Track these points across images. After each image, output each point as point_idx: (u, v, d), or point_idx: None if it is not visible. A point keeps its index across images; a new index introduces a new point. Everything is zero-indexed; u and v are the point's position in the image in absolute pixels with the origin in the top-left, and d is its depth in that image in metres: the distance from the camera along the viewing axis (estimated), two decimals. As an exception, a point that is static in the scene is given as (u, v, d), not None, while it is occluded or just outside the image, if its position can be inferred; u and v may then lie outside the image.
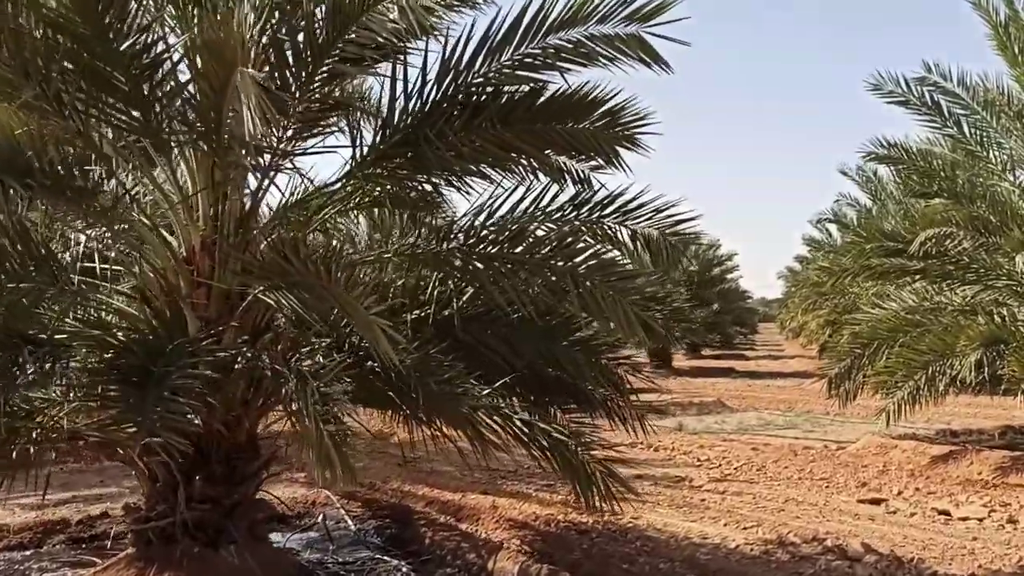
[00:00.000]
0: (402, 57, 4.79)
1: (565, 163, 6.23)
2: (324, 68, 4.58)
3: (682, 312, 5.73)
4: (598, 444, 5.90)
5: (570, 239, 4.95)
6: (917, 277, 11.55)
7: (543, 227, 5.70)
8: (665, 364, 29.70)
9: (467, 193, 5.48)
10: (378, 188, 5.19)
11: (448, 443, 5.61)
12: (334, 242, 6.41)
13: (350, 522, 6.94)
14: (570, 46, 4.84)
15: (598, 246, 5.16)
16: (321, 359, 4.34)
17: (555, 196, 5.82)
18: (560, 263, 4.46)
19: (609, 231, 6.01)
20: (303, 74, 4.56)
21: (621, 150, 5.64)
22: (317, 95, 4.81)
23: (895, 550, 6.48)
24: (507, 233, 5.25)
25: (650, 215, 5.97)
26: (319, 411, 3.75)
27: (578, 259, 4.64)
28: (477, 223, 5.32)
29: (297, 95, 4.59)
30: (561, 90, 5.07)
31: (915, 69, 10.94)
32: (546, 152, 5.48)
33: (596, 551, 6.46)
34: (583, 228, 5.98)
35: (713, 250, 33.55)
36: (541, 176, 5.75)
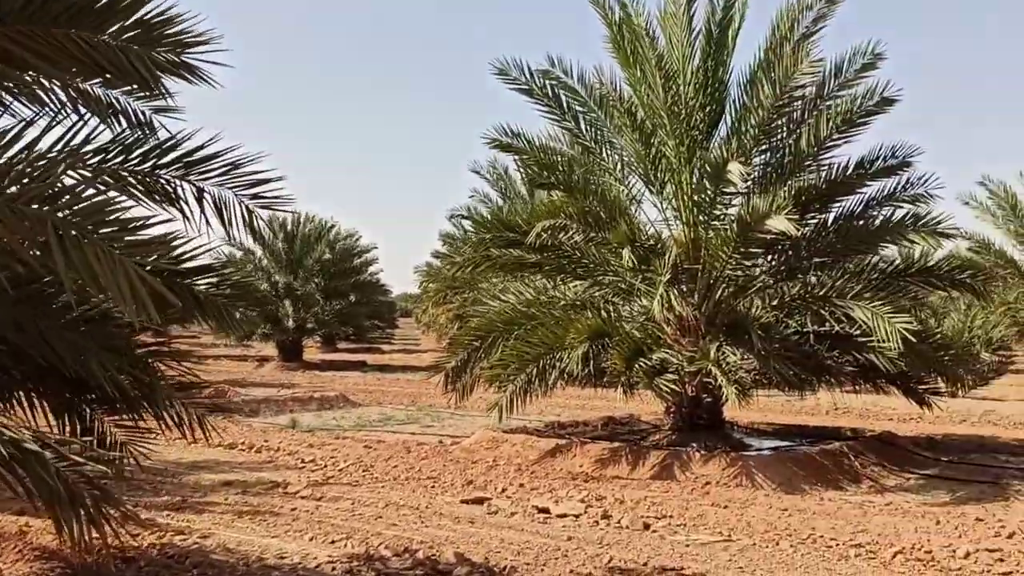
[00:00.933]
0: None
1: (116, 98, 4.95)
2: None
3: (247, 290, 4.64)
4: (139, 450, 4.68)
5: (50, 173, 3.66)
6: (534, 270, 11.54)
7: (76, 174, 4.38)
8: (295, 357, 28.41)
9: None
10: None
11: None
12: None
13: None
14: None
15: (91, 188, 3.95)
16: None
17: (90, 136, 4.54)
18: (37, 205, 3.19)
19: (168, 187, 4.83)
20: None
21: (186, 87, 4.51)
22: None
23: (489, 557, 5.95)
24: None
25: (223, 170, 4.88)
26: None
27: (65, 200, 3.39)
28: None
29: None
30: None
31: (542, 61, 10.87)
32: (69, 71, 4.16)
33: (141, 584, 5.20)
34: (132, 179, 4.74)
35: (352, 240, 32.81)
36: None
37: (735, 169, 8.96)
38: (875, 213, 9.96)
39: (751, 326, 9.00)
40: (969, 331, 15.01)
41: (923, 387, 10.27)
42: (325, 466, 9.49)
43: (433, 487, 8.40)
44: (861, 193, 10.29)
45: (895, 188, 10.26)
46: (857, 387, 10.18)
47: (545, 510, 7.42)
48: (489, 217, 11.17)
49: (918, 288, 9.81)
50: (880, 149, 10.15)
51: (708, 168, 9.46)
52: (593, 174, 11.05)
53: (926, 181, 10.19)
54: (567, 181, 10.45)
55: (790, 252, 9.99)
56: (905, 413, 15.52)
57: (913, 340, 8.50)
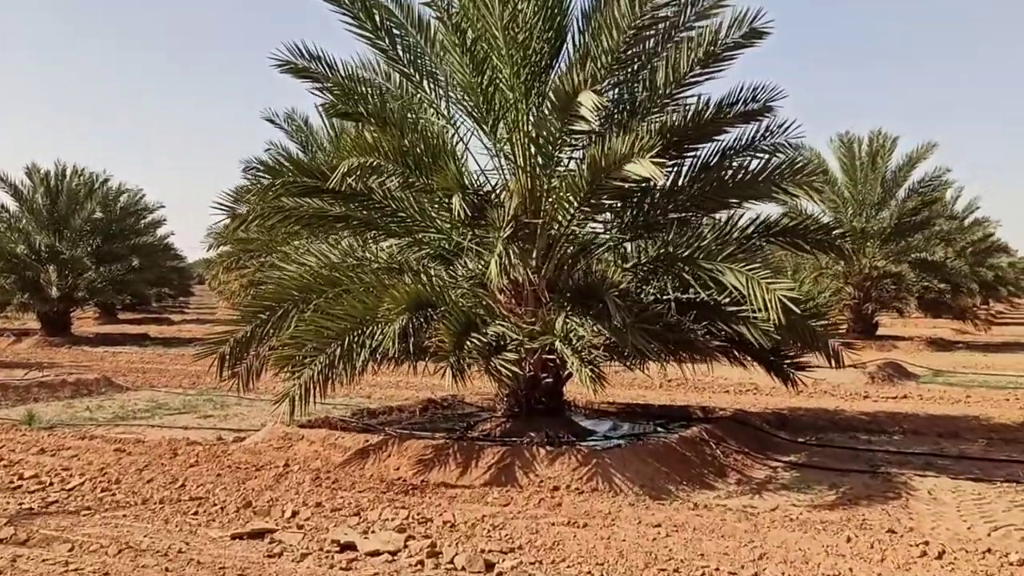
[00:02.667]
0: None
1: None
2: None
3: None
4: None
5: None
6: (341, 226, 9.42)
7: None
8: (61, 331, 24.65)
9: None
10: None
11: None
12: None
13: None
14: None
15: None
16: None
17: None
18: None
19: None
20: None
21: None
22: None
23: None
24: None
25: None
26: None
27: None
28: None
29: None
30: None
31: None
32: None
33: None
34: None
35: (133, 197, 29.06)
36: None
37: (587, 100, 7.19)
38: (736, 163, 8.52)
39: (607, 293, 7.32)
40: (820, 298, 14.24)
41: (788, 362, 9.01)
42: (50, 483, 7.03)
43: (197, 514, 6.18)
44: (719, 140, 8.84)
45: (755, 135, 8.88)
46: (719, 362, 8.77)
47: (350, 546, 5.42)
48: (282, 160, 8.87)
49: (785, 251, 8.47)
50: (741, 91, 8.71)
51: (554, 100, 7.65)
52: (412, 109, 9.04)
53: (787, 129, 8.89)
54: (380, 113, 8.37)
55: (647, 205, 8.40)
56: (738, 383, 14.63)
57: (794, 310, 7.10)
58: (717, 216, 8.57)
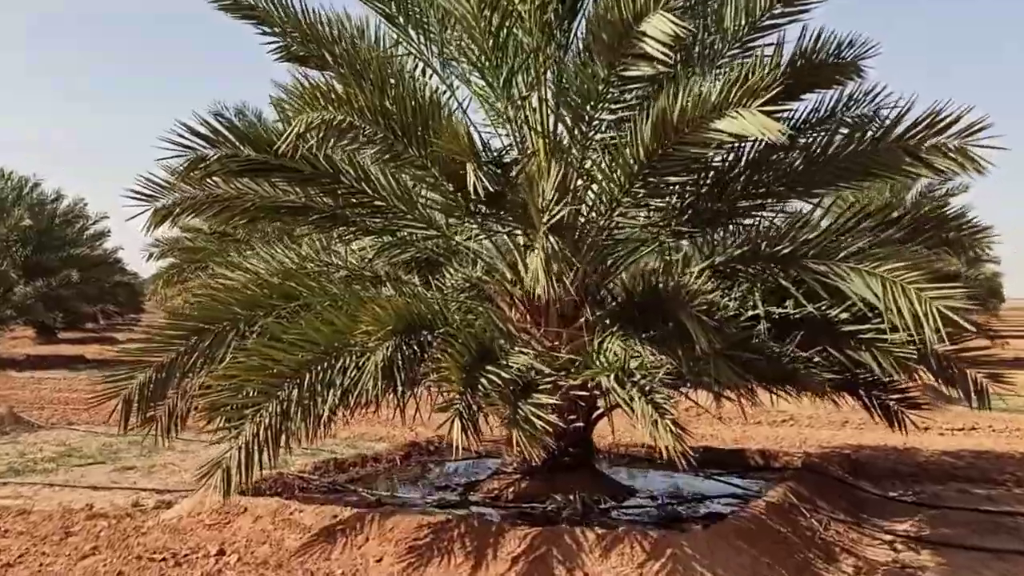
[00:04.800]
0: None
1: None
2: None
3: None
4: None
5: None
6: (300, 219, 7.10)
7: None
8: (-17, 353, 21.87)
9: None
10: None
11: None
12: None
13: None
14: None
15: None
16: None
17: None
18: None
19: None
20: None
21: None
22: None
23: None
24: None
25: None
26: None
27: None
28: None
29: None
30: None
31: None
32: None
33: None
34: None
35: (71, 205, 26.34)
36: None
37: (661, 26, 4.95)
38: (840, 129, 6.29)
39: (684, 307, 5.02)
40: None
41: (897, 396, 6.77)
42: None
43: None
44: (806, 100, 6.63)
45: (836, 103, 6.68)
46: (830, 398, 6.48)
47: None
48: (219, 125, 6.45)
49: (930, 251, 6.18)
50: (822, 44, 6.48)
51: (600, 33, 5.39)
52: (397, 68, 6.72)
53: (875, 97, 6.66)
54: (352, 61, 6.04)
55: (726, 183, 6.10)
56: (768, 412, 12.39)
57: (966, 327, 4.90)
58: (818, 202, 6.31)
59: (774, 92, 4.70)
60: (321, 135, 5.18)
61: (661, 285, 5.43)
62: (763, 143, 5.95)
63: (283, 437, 5.23)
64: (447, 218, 6.83)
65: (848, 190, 6.19)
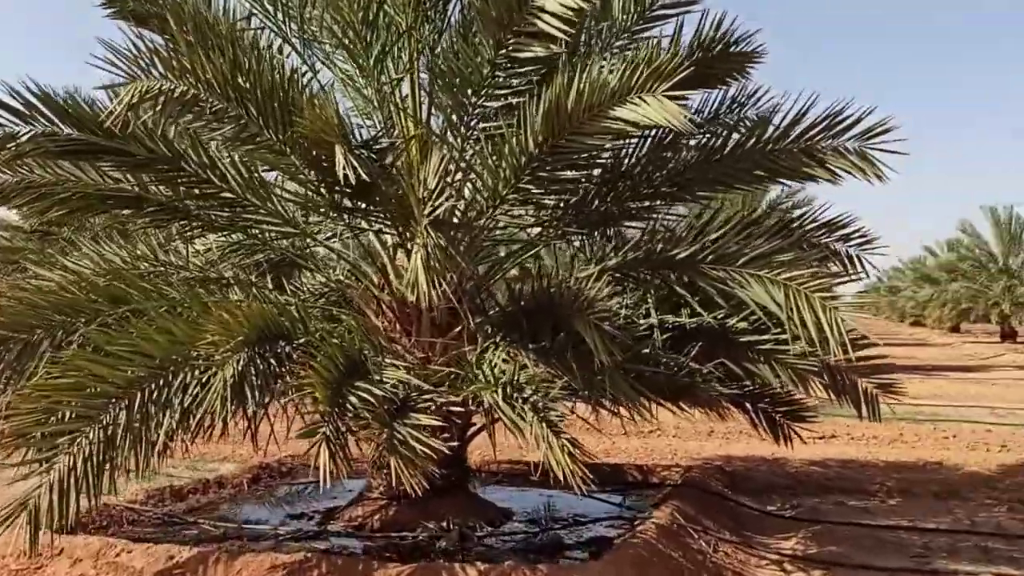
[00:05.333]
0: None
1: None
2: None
3: None
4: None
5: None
6: (131, 213, 6.16)
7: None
8: None
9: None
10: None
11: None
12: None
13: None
14: None
15: None
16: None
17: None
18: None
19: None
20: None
21: None
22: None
23: None
24: None
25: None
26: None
27: None
28: None
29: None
30: None
31: None
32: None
33: None
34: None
35: None
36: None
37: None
38: (737, 127, 5.96)
39: (581, 315, 4.50)
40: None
41: (784, 409, 6.50)
42: None
43: None
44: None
45: (720, 104, 6.38)
46: (718, 411, 6.10)
47: None
48: (33, 98, 5.42)
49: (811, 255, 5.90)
50: (714, 35, 6.16)
51: (488, 7, 4.82)
52: (244, 36, 5.91)
53: (758, 100, 6.42)
54: (198, 23, 5.20)
55: (618, 181, 5.64)
56: (634, 426, 12.16)
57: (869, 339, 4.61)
58: (719, 205, 5.93)
59: (681, 76, 4.26)
60: (159, 108, 4.36)
61: (554, 290, 4.89)
62: (658, 139, 5.54)
63: (108, 470, 4.36)
64: (307, 213, 6.11)
65: (742, 192, 5.83)
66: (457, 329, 5.79)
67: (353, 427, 4.33)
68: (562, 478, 4.17)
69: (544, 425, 4.28)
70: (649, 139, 5.69)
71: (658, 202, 5.90)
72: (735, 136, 5.57)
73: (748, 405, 6.45)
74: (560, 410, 4.53)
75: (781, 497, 7.91)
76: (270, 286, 6.27)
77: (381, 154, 4.64)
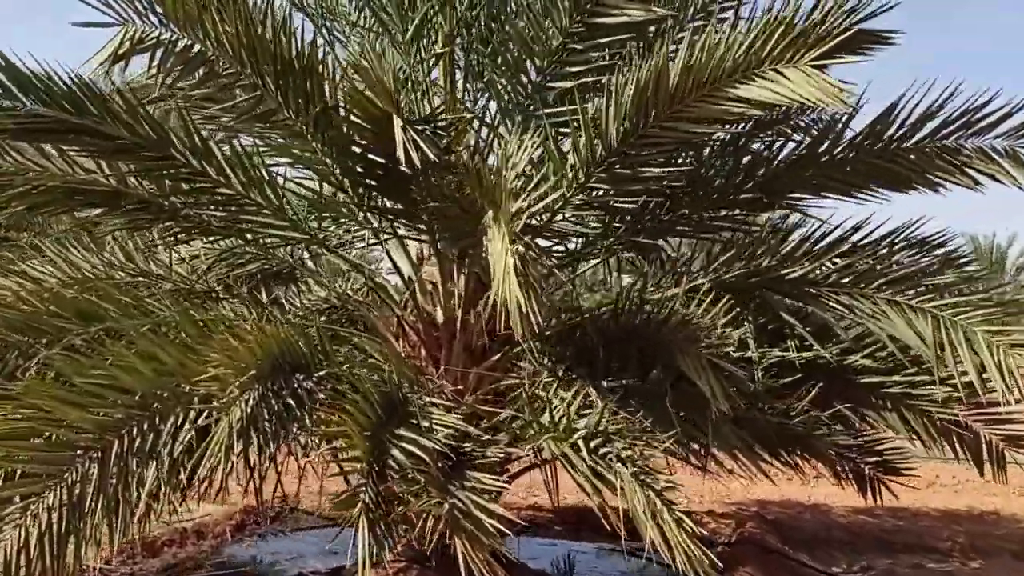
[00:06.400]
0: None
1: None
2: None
3: None
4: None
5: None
6: (105, 211, 5.09)
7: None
8: None
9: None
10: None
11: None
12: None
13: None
14: None
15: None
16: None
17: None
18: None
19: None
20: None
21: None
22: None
23: None
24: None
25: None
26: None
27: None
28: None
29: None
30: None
31: None
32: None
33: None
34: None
35: None
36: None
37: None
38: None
39: (690, 346, 3.52)
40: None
41: (874, 459, 5.55)
42: None
43: None
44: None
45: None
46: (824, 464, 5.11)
47: None
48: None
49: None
50: None
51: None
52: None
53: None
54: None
55: (700, 183, 4.63)
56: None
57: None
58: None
59: (834, 43, 3.31)
60: (155, 65, 3.32)
61: (645, 314, 3.88)
62: (762, 128, 4.59)
63: (72, 542, 3.27)
64: (320, 215, 5.09)
65: (860, 202, 4.86)
66: (495, 357, 4.81)
67: (400, 492, 3.29)
68: (681, 563, 3.17)
69: (651, 494, 3.28)
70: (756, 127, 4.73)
71: (738, 211, 4.93)
72: (847, 133, 4.60)
73: (831, 453, 5.48)
74: (663, 470, 3.54)
75: (842, 554, 6.98)
76: (264, 301, 5.25)
77: (437, 136, 3.62)
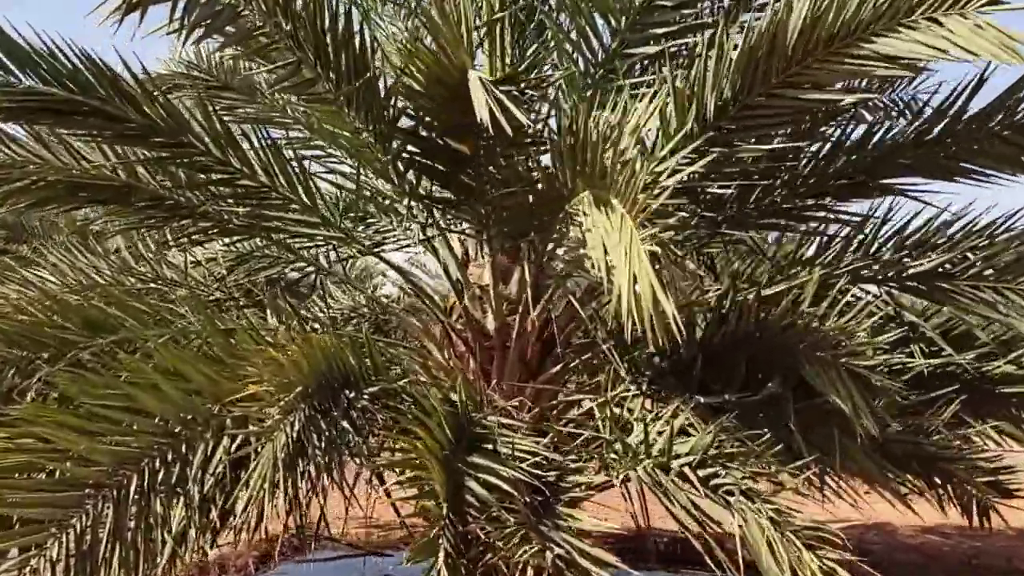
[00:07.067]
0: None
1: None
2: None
3: None
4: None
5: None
6: (115, 208, 4.50)
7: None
8: None
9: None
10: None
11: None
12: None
13: None
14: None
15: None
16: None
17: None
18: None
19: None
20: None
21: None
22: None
23: None
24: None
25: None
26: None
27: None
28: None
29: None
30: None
31: None
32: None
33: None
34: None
35: None
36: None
37: None
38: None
39: (827, 357, 2.91)
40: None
41: (987, 479, 4.94)
42: None
43: None
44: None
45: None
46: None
47: None
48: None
49: None
50: None
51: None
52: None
53: None
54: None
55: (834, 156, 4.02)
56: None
57: None
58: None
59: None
60: (177, 17, 2.73)
61: (761, 318, 3.27)
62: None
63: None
64: (356, 211, 4.51)
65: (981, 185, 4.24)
66: (554, 370, 4.23)
67: (485, 536, 2.67)
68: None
69: (791, 536, 2.67)
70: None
71: (837, 198, 4.33)
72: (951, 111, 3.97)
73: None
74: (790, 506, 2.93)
75: None
76: (293, 308, 4.66)
77: (515, 100, 3.00)
